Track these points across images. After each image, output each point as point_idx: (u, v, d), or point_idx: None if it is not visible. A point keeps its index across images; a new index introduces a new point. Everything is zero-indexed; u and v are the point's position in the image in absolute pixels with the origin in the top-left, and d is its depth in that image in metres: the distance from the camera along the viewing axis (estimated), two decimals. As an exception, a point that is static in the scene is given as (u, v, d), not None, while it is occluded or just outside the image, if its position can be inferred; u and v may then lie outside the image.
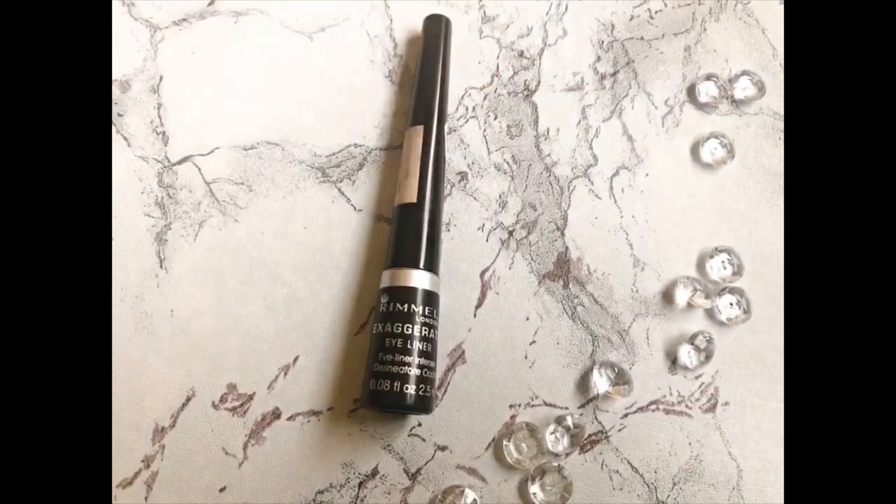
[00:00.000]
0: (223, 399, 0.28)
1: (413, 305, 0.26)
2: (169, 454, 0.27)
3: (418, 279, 0.27)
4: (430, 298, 0.27)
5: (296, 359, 0.28)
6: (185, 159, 0.30)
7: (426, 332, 0.26)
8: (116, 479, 0.26)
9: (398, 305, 0.26)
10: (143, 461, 0.27)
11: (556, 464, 0.28)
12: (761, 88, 0.34)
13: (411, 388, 0.25)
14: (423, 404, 0.26)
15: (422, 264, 0.27)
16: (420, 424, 0.28)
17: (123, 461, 0.27)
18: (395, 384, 0.25)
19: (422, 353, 0.26)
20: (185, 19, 0.33)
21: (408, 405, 0.25)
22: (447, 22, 0.32)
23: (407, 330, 0.26)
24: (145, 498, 0.26)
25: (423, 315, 0.26)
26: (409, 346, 0.26)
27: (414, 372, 0.26)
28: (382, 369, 0.26)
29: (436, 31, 0.32)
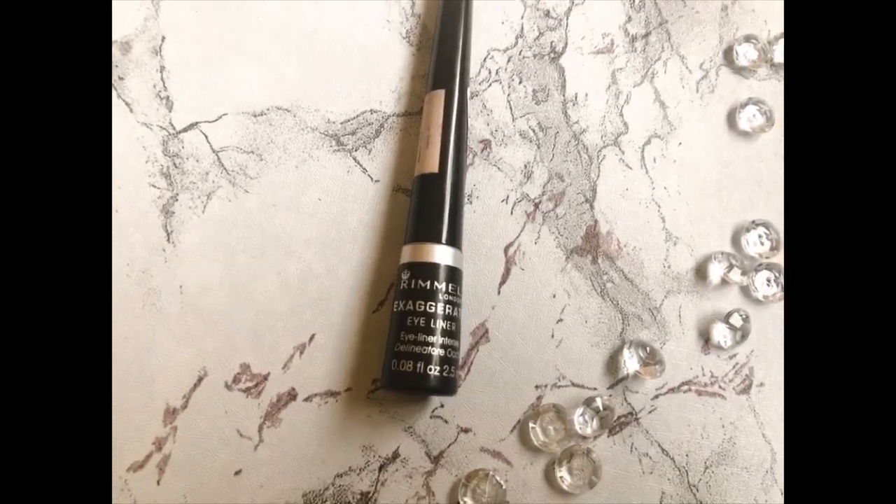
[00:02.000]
0: (236, 379, 0.26)
1: (436, 282, 0.25)
2: (181, 436, 0.26)
3: (441, 254, 0.25)
4: (454, 275, 0.25)
5: (312, 337, 0.27)
6: (191, 126, 0.29)
7: (449, 311, 0.25)
8: (127, 462, 0.25)
9: (420, 282, 0.25)
10: (154, 443, 0.26)
11: (584, 447, 0.26)
12: (803, 51, 0.32)
13: (434, 370, 0.24)
14: (447, 386, 0.25)
15: (444, 239, 0.26)
16: (442, 406, 0.27)
17: (134, 443, 0.26)
18: (418, 365, 0.24)
19: (445, 333, 0.25)
20: (187, -25, 0.30)
21: (431, 387, 0.24)
22: None
23: (430, 308, 0.25)
24: (157, 481, 0.25)
25: (447, 292, 0.25)
26: (431, 325, 0.24)
27: (437, 352, 0.24)
28: (404, 349, 0.24)
29: (454, 7, 0.29)
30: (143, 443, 0.26)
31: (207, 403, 0.26)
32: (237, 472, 0.26)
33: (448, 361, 0.25)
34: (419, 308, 0.25)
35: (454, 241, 0.26)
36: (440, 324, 0.25)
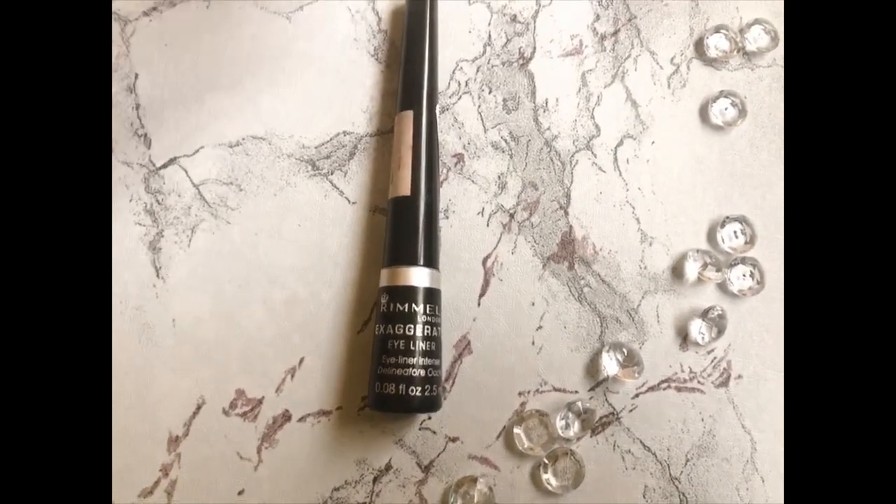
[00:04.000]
0: (233, 405, 0.28)
1: (414, 305, 0.26)
2: (185, 462, 0.27)
3: (418, 277, 0.26)
4: (432, 296, 0.26)
5: (301, 360, 0.28)
6: (170, 162, 0.29)
7: (429, 331, 0.26)
8: (137, 489, 0.27)
9: (398, 306, 0.26)
10: (161, 470, 0.27)
11: (567, 448, 0.28)
12: (774, 38, 0.31)
13: (416, 391, 0.25)
14: (429, 404, 0.26)
15: (421, 261, 0.26)
16: (430, 418, 0.28)
17: (142, 471, 0.27)
18: (400, 387, 0.25)
19: (425, 353, 0.26)
20: (154, 8, 0.31)
21: (414, 408, 0.25)
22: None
23: (409, 331, 0.26)
24: (167, 505, 0.27)
25: (425, 313, 0.26)
26: (411, 348, 0.25)
27: (418, 373, 0.25)
28: (386, 372, 0.25)
29: (420, 4, 0.29)
30: (151, 470, 0.27)
31: (208, 429, 0.28)
32: (240, 493, 0.27)
33: (429, 381, 0.26)
34: (398, 331, 0.26)
35: (431, 261, 0.27)
36: (420, 345, 0.26)
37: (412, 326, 0.26)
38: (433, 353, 0.26)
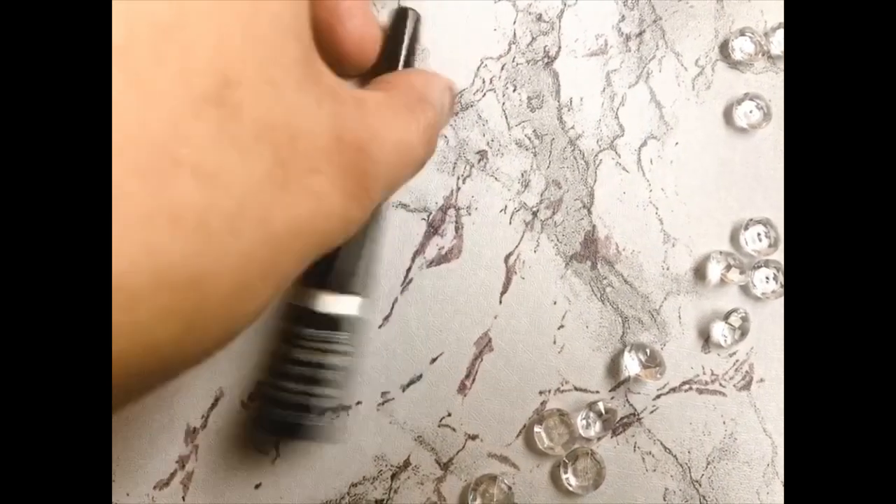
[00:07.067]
0: (252, 397, 0.28)
1: (320, 331, 0.24)
2: (203, 454, 0.27)
3: (329, 303, 0.25)
4: (345, 324, 0.25)
5: (321, 354, 0.28)
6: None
7: (335, 360, 0.25)
8: (153, 480, 0.27)
9: (304, 329, 0.24)
10: (177, 462, 0.27)
11: (588, 448, 0.27)
12: (801, 42, 0.31)
13: (313, 420, 0.24)
14: (325, 434, 0.25)
15: (335, 286, 0.25)
16: (450, 415, 0.28)
17: (158, 462, 0.27)
18: (299, 413, 0.24)
19: (328, 382, 0.24)
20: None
21: (308, 437, 0.25)
22: (416, 18, 0.27)
23: (313, 357, 0.24)
24: (182, 497, 0.27)
25: (334, 342, 0.25)
26: (315, 375, 0.24)
27: (316, 402, 0.24)
28: (280, 397, 0.24)
29: (398, 28, 0.27)
30: (168, 462, 0.27)
31: (225, 421, 0.27)
32: (257, 486, 0.27)
33: (326, 410, 0.24)
34: (303, 357, 0.24)
35: (347, 287, 0.25)
36: (323, 373, 0.24)
37: (317, 353, 0.24)
38: (337, 382, 0.25)
